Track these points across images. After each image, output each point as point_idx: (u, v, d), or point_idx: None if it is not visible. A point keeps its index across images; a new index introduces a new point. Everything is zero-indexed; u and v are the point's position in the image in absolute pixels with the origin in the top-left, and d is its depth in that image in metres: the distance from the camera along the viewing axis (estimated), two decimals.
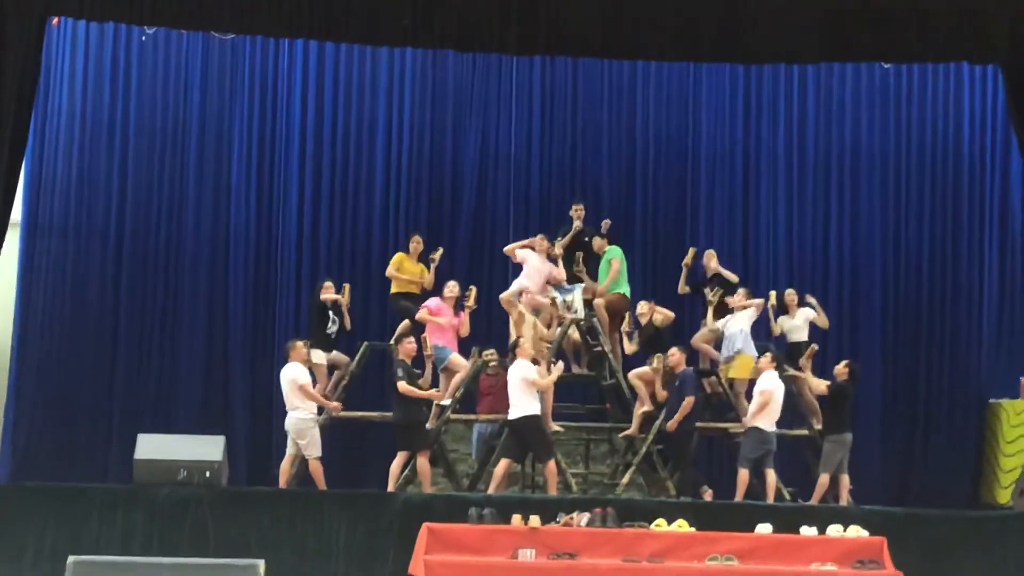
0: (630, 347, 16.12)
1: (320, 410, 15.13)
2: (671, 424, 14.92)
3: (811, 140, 18.82)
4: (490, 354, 15.64)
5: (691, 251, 16.97)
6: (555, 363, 15.07)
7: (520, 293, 15.81)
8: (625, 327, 16.19)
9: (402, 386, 14.53)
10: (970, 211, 18.77)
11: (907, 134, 18.86)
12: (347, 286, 16.15)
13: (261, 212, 18.11)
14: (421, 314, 15.59)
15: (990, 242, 18.70)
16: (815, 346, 16.08)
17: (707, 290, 16.60)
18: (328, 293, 15.87)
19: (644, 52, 16.04)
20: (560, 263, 16.36)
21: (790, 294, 16.67)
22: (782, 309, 16.56)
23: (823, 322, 16.67)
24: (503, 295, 15.90)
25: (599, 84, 18.70)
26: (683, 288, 16.90)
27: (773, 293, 16.64)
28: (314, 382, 15.19)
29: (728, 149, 18.72)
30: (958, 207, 18.77)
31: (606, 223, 16.99)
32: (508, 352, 15.11)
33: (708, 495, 14.94)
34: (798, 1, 14.54)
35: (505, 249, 16.57)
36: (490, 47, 16.00)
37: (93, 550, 12.92)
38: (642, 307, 16.12)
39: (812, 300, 16.77)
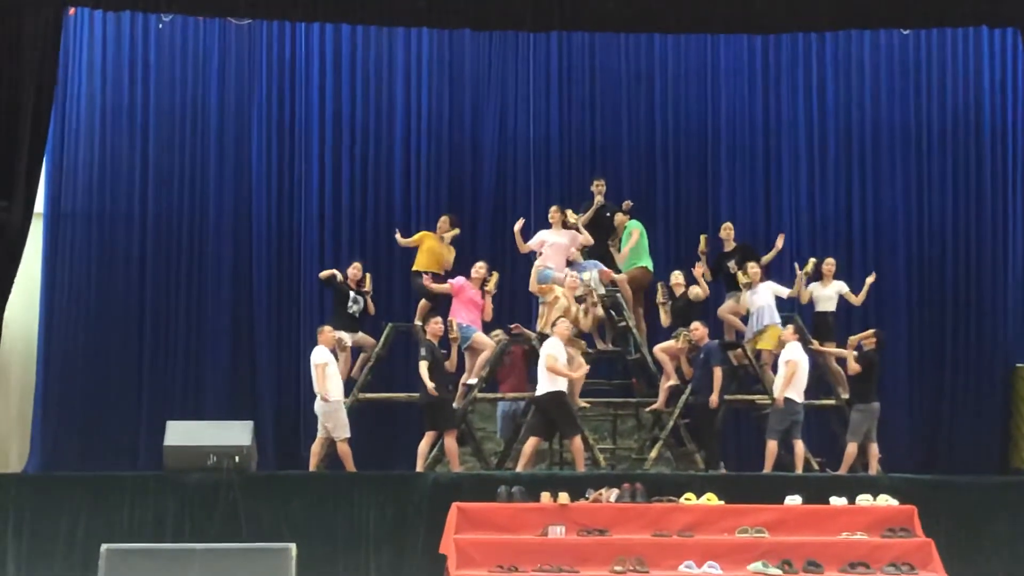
0: (666, 319, 16.07)
1: (347, 392, 15.20)
2: (713, 399, 14.85)
3: (831, 109, 18.73)
4: (496, 335, 15.72)
5: (703, 238, 16.78)
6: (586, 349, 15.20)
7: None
8: (660, 299, 16.14)
9: (421, 367, 14.58)
10: (993, 176, 18.67)
11: (927, 101, 18.76)
12: (368, 275, 16.18)
13: (282, 196, 18.14)
14: (443, 286, 15.61)
15: (1013, 207, 18.60)
16: (873, 332, 15.72)
17: (731, 263, 16.54)
18: (354, 272, 15.93)
19: (661, 25, 16.00)
20: (581, 229, 16.26)
21: (829, 263, 16.47)
22: (816, 276, 16.41)
23: (857, 301, 16.50)
24: (531, 286, 15.80)
25: (616, 59, 18.65)
26: (709, 275, 16.64)
27: (812, 260, 16.49)
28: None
29: (748, 121, 18.64)
30: (980, 172, 18.68)
31: (628, 204, 16.92)
32: (538, 332, 15.21)
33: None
34: None
35: (522, 251, 16.34)
36: (506, 25, 16.00)
37: (125, 538, 13.01)
38: (676, 277, 16.07)
39: (871, 280, 16.52)
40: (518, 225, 16.17)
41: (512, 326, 15.98)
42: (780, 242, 16.71)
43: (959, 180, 18.68)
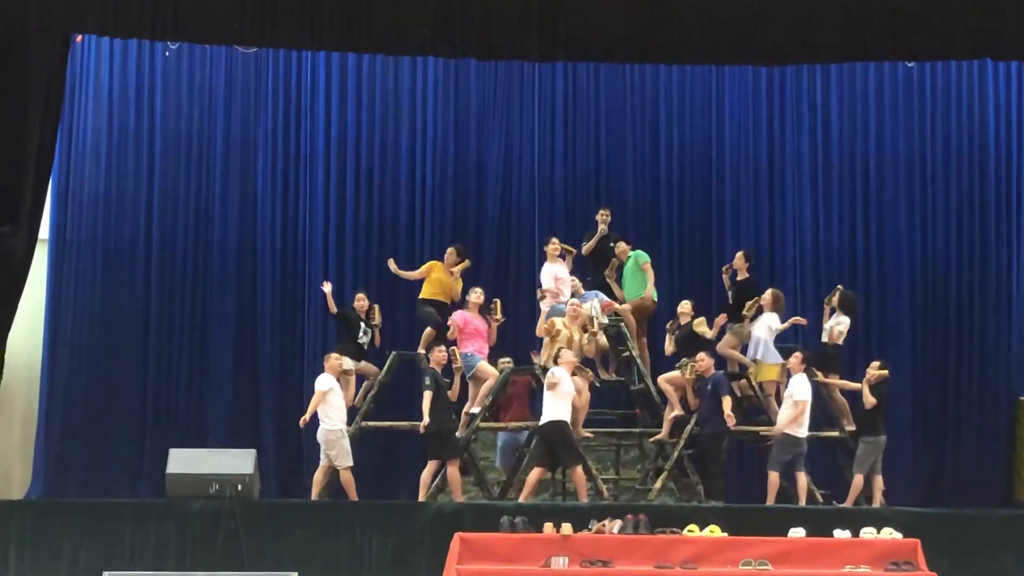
0: (670, 347, 16.05)
1: (350, 420, 15.18)
2: (730, 423, 14.81)
3: (835, 140, 18.73)
4: (505, 362, 15.71)
5: (727, 267, 16.79)
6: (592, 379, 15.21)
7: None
8: (669, 326, 16.14)
9: (425, 397, 14.57)
10: (996, 208, 18.66)
11: (932, 132, 18.76)
12: (376, 306, 16.20)
13: (287, 223, 18.15)
14: (452, 332, 15.56)
15: (1018, 240, 18.59)
16: (880, 364, 15.66)
17: (729, 293, 16.53)
18: (361, 304, 15.98)
19: (666, 56, 16.03)
20: (568, 260, 16.36)
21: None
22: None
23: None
24: (539, 331, 15.79)
25: (621, 89, 18.65)
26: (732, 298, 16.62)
27: (839, 288, 16.47)
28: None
29: (752, 151, 18.64)
30: (984, 204, 18.67)
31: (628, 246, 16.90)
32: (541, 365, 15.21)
33: None
34: (819, 1, 14.51)
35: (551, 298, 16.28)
36: (511, 54, 16.03)
37: (127, 565, 13.07)
38: (683, 307, 16.05)
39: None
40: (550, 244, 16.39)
41: (533, 352, 15.98)
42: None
43: (963, 211, 18.67)
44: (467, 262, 16.48)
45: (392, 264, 16.67)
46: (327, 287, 16.25)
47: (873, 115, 18.71)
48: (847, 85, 18.70)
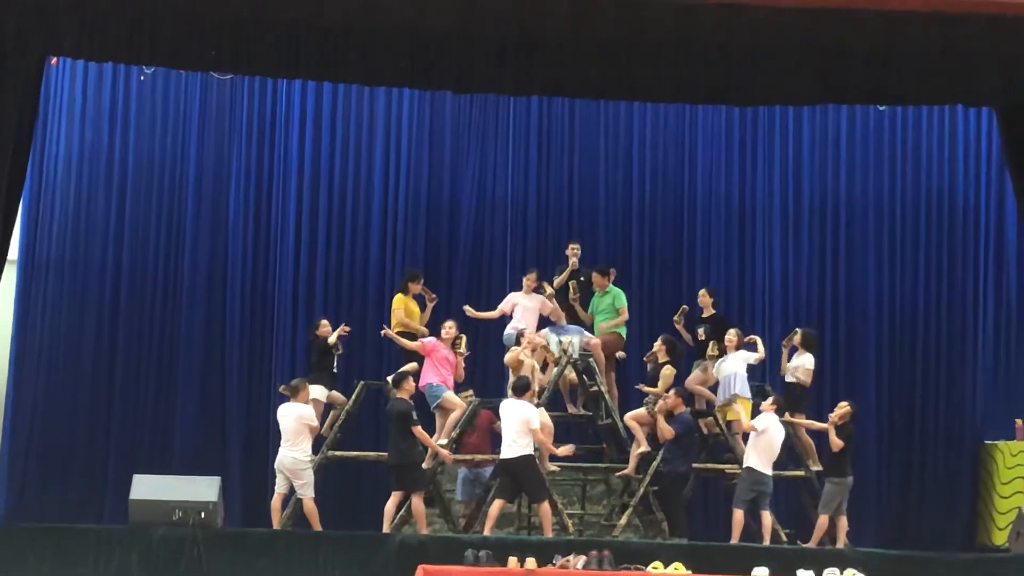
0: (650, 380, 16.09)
1: (316, 449, 15.12)
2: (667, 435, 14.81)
3: (806, 182, 18.85)
4: (467, 395, 15.67)
5: (682, 309, 16.83)
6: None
7: (518, 337, 15.66)
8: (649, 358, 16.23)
9: (417, 430, 14.50)
10: (965, 253, 18.80)
11: (902, 176, 18.91)
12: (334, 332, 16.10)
13: (258, 251, 18.14)
14: (414, 344, 15.46)
15: (985, 284, 18.73)
16: (847, 404, 15.53)
17: (700, 329, 16.57)
18: (327, 330, 15.83)
19: (640, 94, 16.10)
20: (554, 301, 16.30)
21: (797, 334, 16.55)
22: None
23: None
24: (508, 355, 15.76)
25: (596, 125, 18.74)
26: (690, 341, 16.65)
27: (799, 331, 16.44)
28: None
29: (724, 190, 18.73)
30: (953, 249, 18.81)
31: (613, 273, 16.85)
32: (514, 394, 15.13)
33: None
34: (793, 43, 14.61)
35: (494, 317, 16.39)
36: (487, 88, 16.08)
37: None
38: (658, 346, 16.08)
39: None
40: (471, 311, 16.25)
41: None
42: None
43: (931, 255, 18.81)
44: (435, 299, 16.37)
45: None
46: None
47: (844, 157, 18.85)
48: (819, 127, 18.85)
